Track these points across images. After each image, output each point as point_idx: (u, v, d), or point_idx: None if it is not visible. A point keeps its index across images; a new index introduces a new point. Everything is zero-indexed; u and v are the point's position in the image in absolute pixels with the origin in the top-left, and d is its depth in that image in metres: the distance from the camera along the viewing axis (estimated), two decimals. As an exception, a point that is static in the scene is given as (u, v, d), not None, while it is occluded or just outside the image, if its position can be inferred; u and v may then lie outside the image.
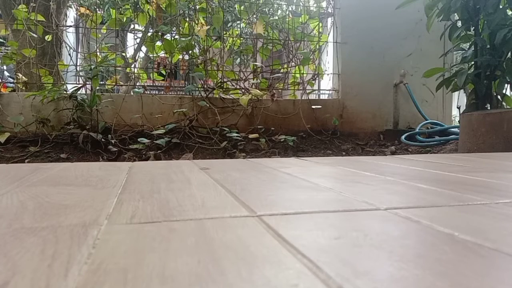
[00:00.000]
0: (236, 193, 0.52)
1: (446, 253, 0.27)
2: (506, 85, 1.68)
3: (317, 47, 2.29)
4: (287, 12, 2.40)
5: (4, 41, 2.79)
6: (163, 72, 2.33)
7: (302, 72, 2.24)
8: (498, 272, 0.24)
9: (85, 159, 1.53)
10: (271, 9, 2.78)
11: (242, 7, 2.30)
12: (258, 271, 0.24)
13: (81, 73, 2.00)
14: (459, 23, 1.71)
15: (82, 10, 2.47)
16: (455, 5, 1.60)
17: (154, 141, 1.69)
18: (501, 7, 1.56)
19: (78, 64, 2.17)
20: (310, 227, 0.35)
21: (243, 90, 2.08)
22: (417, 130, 2.14)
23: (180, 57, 2.27)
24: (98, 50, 2.14)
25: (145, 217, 0.39)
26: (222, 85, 2.06)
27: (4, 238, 0.32)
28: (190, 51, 2.08)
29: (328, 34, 2.36)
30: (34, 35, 1.91)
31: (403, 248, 0.28)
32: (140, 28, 2.51)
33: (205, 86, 2.04)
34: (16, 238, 0.32)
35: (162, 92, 2.36)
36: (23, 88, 1.94)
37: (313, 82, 2.27)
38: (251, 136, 1.87)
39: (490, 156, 1.09)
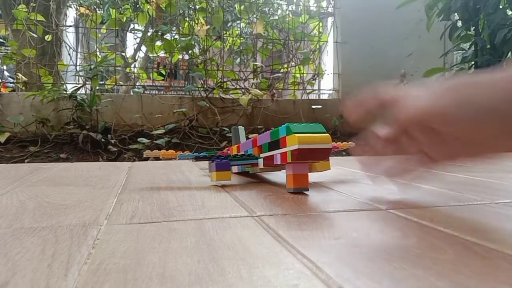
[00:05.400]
0: (236, 193, 0.52)
1: (446, 253, 0.27)
2: (506, 85, 1.68)
3: (317, 47, 2.29)
4: (287, 12, 2.39)
5: (4, 41, 2.79)
6: (163, 72, 2.32)
7: (302, 72, 2.24)
8: (498, 272, 0.24)
9: (85, 159, 1.53)
10: (271, 9, 2.78)
11: (242, 6, 2.30)
12: (258, 271, 0.24)
13: (81, 73, 2.00)
14: (459, 23, 1.71)
15: (82, 10, 2.47)
16: (455, 5, 1.60)
17: (154, 141, 1.69)
18: (501, 7, 1.56)
19: (78, 64, 2.17)
20: (310, 227, 0.35)
21: (243, 90, 2.07)
22: (417, 130, 2.14)
23: (180, 57, 2.27)
24: (98, 50, 2.13)
25: (145, 217, 0.39)
26: (222, 85, 2.06)
27: (4, 238, 0.32)
28: (190, 51, 2.08)
29: (328, 33, 2.36)
30: (34, 35, 1.91)
31: (403, 248, 0.28)
32: (140, 28, 2.51)
33: (205, 86, 2.03)
34: (16, 238, 0.32)
35: (162, 92, 2.36)
36: (23, 88, 1.94)
37: (313, 82, 2.27)
38: (251, 136, 1.86)
39: (490, 156, 1.09)
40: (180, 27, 2.16)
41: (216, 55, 2.13)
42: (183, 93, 2.11)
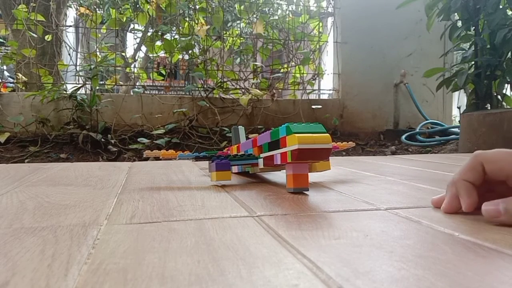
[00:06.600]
0: (236, 193, 0.52)
1: (446, 253, 0.27)
2: (506, 85, 1.68)
3: (317, 47, 2.28)
4: (287, 12, 2.39)
5: (4, 41, 2.79)
6: (163, 72, 2.32)
7: (302, 72, 2.24)
8: (498, 272, 0.24)
9: (85, 159, 1.53)
10: (271, 9, 2.78)
11: (242, 6, 2.30)
12: (258, 271, 0.24)
13: (81, 73, 1.99)
14: (459, 23, 1.71)
15: (82, 10, 2.47)
16: (455, 5, 1.60)
17: (154, 141, 1.69)
18: (501, 7, 1.56)
19: (78, 64, 2.17)
20: (310, 227, 0.35)
21: (243, 90, 2.07)
22: (417, 130, 2.14)
23: (180, 57, 2.26)
24: (98, 50, 2.13)
25: (145, 217, 0.39)
26: (222, 85, 2.06)
27: (4, 238, 0.32)
28: (190, 51, 2.08)
29: (328, 34, 2.36)
30: (34, 35, 1.91)
31: (403, 248, 0.28)
32: (140, 28, 2.51)
33: (205, 86, 2.03)
34: (16, 238, 0.32)
35: (162, 92, 2.36)
36: (23, 88, 1.94)
37: (313, 82, 2.27)
38: (251, 136, 1.86)
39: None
40: (180, 27, 2.16)
41: (216, 55, 2.13)
42: (183, 93, 2.11)
